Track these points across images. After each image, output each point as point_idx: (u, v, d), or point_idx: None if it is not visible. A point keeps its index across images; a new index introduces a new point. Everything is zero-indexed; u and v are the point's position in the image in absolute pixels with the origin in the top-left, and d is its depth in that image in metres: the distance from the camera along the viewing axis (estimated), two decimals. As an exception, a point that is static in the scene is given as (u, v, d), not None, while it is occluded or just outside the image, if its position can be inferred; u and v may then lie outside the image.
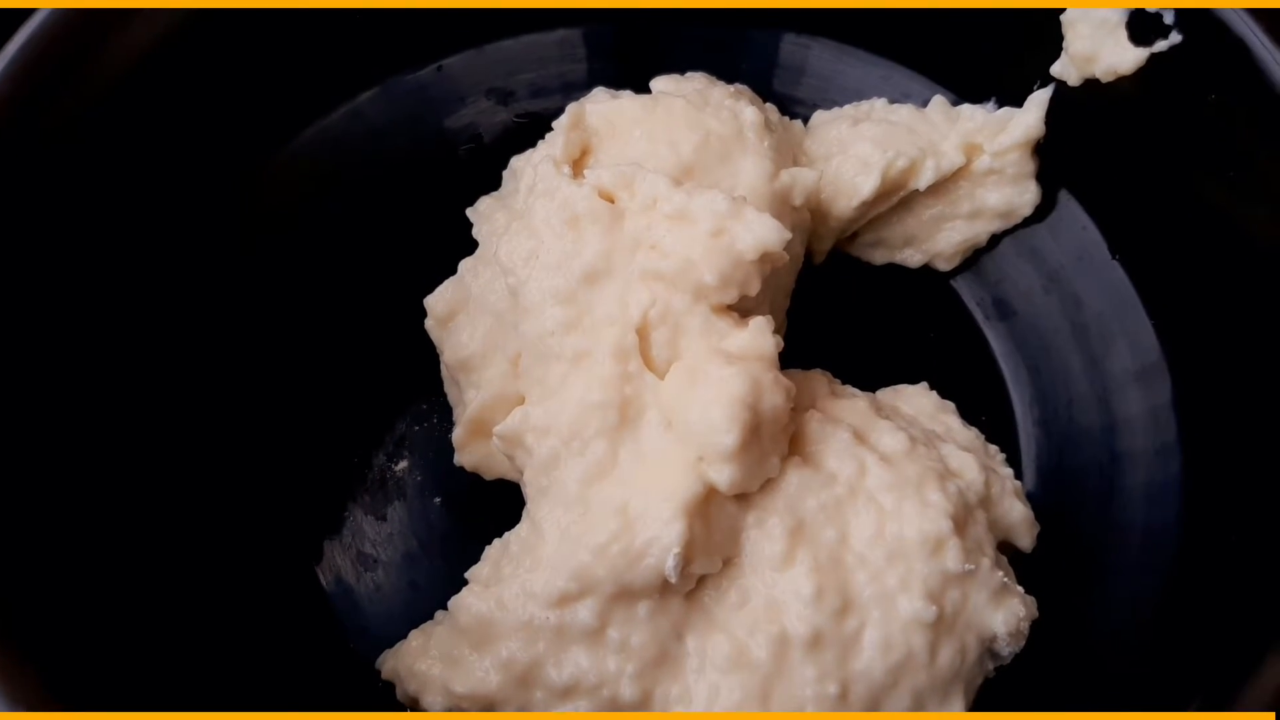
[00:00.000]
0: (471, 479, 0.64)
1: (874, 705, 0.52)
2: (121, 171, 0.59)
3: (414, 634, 0.58)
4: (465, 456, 0.63)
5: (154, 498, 0.59)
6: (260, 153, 0.65)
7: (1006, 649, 0.55)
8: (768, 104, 0.70)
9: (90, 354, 0.58)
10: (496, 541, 0.58)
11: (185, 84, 0.61)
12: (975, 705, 0.55)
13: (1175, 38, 0.60)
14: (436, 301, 0.63)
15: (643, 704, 0.53)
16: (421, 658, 0.57)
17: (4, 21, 0.55)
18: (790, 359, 0.59)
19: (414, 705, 0.57)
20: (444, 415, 0.67)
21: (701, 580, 0.54)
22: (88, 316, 0.58)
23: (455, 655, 0.55)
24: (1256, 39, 0.56)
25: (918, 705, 0.53)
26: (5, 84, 0.53)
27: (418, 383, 0.68)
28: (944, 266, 0.72)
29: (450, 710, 0.55)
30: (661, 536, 0.52)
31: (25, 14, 0.55)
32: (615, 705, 0.53)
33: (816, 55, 0.73)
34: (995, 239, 0.71)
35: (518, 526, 0.57)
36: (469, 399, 0.62)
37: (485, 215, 0.65)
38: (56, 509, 0.54)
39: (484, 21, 0.71)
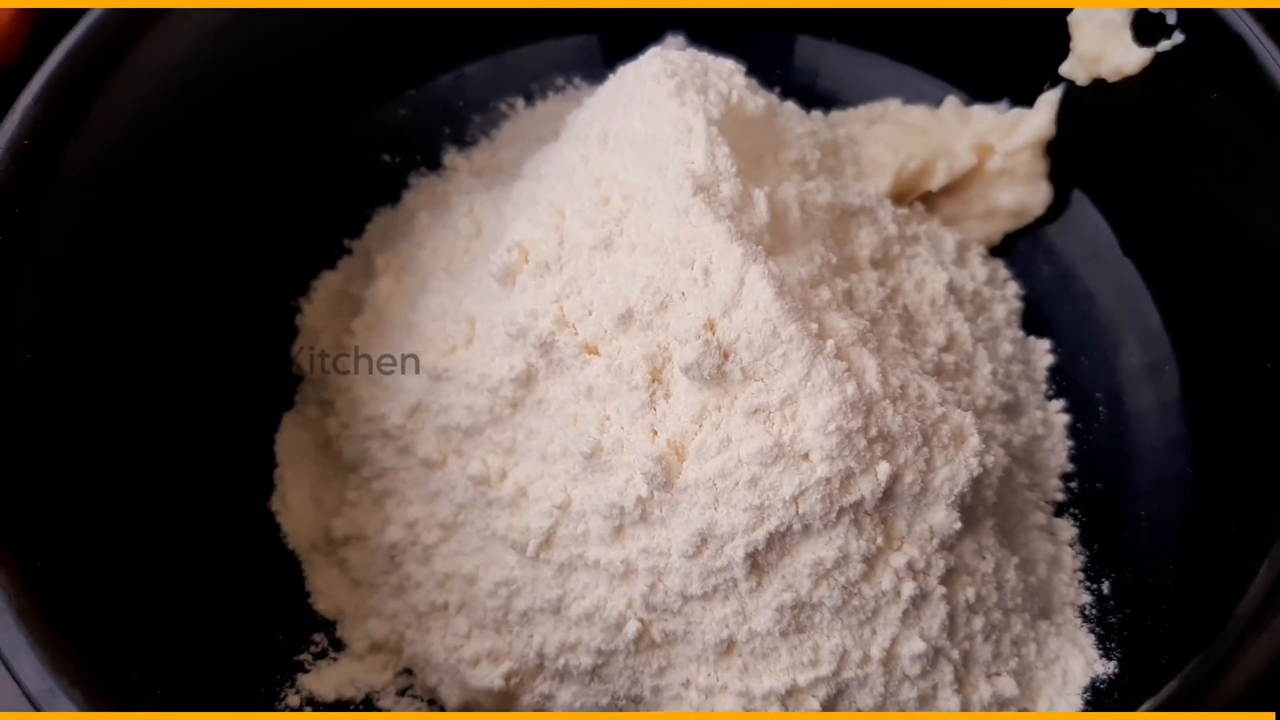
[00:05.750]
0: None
1: None
2: (162, 172, 0.61)
3: None
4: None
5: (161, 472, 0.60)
6: (281, 161, 0.68)
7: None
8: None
9: (129, 347, 0.59)
10: None
11: (207, 98, 0.63)
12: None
13: (1178, 37, 0.61)
14: None
15: None
16: None
17: (57, 22, 0.57)
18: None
19: None
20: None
21: None
22: (138, 317, 0.60)
23: None
24: (1256, 38, 0.56)
25: None
26: (56, 82, 0.55)
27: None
28: (957, 266, 0.73)
29: None
30: None
31: (78, 14, 0.56)
32: None
33: (831, 56, 0.75)
34: (1008, 238, 0.72)
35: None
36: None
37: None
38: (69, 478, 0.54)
39: (503, 28, 0.73)
